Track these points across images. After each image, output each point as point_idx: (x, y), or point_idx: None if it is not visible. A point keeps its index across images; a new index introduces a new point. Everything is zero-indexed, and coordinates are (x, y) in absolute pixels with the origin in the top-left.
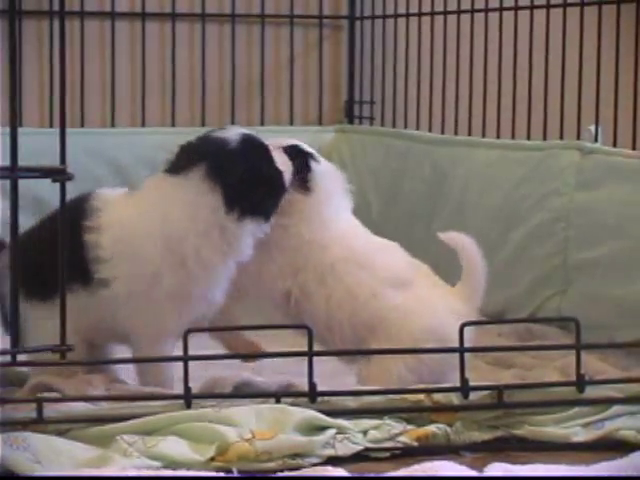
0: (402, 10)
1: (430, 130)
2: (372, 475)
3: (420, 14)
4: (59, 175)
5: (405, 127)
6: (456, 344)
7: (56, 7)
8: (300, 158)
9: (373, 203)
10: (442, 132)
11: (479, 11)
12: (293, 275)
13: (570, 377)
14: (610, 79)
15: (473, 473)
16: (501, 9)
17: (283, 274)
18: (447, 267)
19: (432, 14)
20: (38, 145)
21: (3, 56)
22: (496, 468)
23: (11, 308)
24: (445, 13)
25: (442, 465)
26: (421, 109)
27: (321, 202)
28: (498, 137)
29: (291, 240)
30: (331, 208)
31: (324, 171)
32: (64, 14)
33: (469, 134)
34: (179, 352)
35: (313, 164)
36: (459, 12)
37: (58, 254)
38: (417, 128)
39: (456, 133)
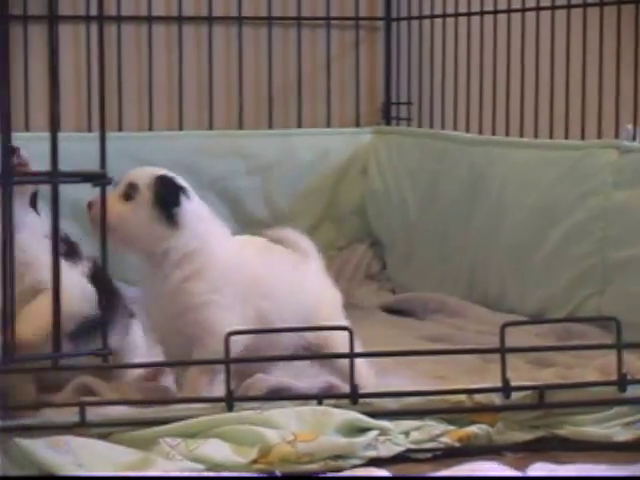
0: (438, 10)
1: (467, 130)
2: (414, 476)
3: (457, 14)
4: (100, 179)
5: (442, 128)
6: None
7: (93, 12)
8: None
9: (410, 204)
10: (479, 132)
11: (516, 11)
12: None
13: (610, 377)
14: None
15: (515, 473)
16: (538, 9)
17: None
18: (483, 268)
19: (469, 14)
20: (75, 150)
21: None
22: (539, 468)
23: (54, 315)
24: (482, 13)
25: (484, 466)
26: (458, 109)
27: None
28: (536, 137)
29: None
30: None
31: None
32: (103, 19)
33: (506, 134)
34: None
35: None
36: (495, 12)
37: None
38: (454, 129)
39: (494, 133)
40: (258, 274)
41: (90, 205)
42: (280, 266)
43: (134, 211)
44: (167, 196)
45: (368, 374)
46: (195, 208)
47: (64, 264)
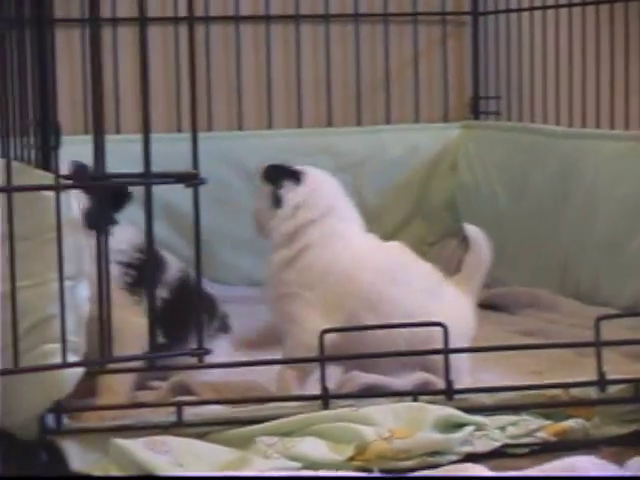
0: (526, 3)
1: (557, 123)
2: (513, 474)
3: (544, 7)
4: (192, 180)
5: (531, 121)
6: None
7: (182, 13)
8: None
9: (501, 199)
10: (569, 125)
11: (604, 2)
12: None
13: None
14: None
15: (614, 468)
16: (626, 0)
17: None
18: (575, 261)
19: (557, 7)
20: (165, 151)
21: (133, 63)
22: (637, 463)
23: (149, 315)
24: (570, 5)
25: (582, 460)
26: (547, 102)
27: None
28: (627, 128)
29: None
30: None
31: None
32: (193, 20)
33: (597, 126)
34: None
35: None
36: (584, 4)
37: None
38: (544, 122)
39: (584, 126)
40: (368, 283)
41: None
42: (405, 285)
43: (257, 195)
44: (271, 177)
45: (465, 370)
46: (304, 192)
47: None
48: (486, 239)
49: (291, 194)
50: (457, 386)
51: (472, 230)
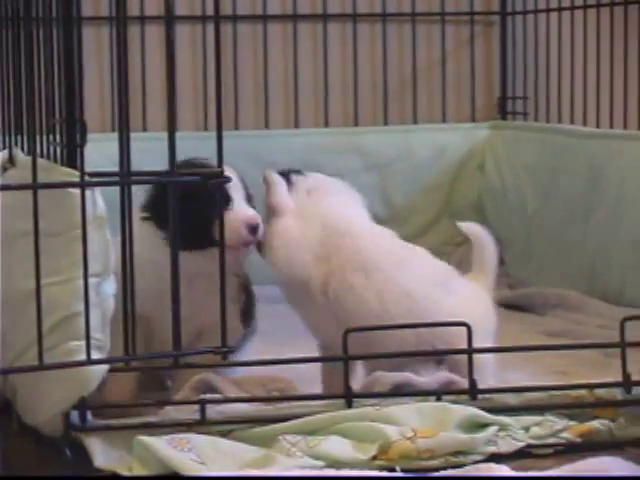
0: (554, 4)
1: (585, 124)
2: (535, 475)
3: (573, 7)
4: (218, 178)
5: (559, 122)
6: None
7: (209, 12)
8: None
9: (529, 200)
10: (597, 126)
11: (633, 3)
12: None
13: None
14: None
15: (639, 469)
16: None
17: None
18: (603, 263)
19: (585, 7)
20: (192, 149)
21: (160, 61)
22: None
23: (174, 313)
24: (598, 6)
25: (607, 461)
26: (575, 103)
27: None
28: None
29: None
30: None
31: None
32: (219, 18)
33: (625, 127)
34: None
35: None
36: (612, 5)
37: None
38: (571, 122)
39: (611, 127)
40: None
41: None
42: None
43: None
44: None
45: (490, 370)
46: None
47: None
48: (486, 232)
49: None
50: (481, 385)
51: (470, 227)
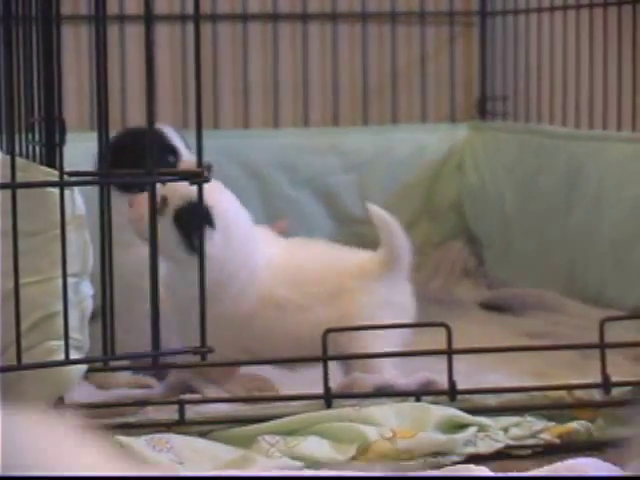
0: (534, 4)
1: (564, 125)
2: (515, 475)
3: (552, 8)
4: (197, 178)
5: (538, 122)
6: None
7: (189, 11)
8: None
9: (508, 200)
10: (576, 127)
11: (612, 4)
12: None
13: None
14: None
15: (617, 470)
16: (634, 1)
17: None
18: (582, 264)
19: (565, 8)
20: None
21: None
22: None
23: (153, 313)
24: (578, 7)
25: (586, 462)
26: (554, 104)
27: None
28: (633, 130)
29: None
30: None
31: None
32: (199, 18)
33: (604, 128)
34: None
35: None
36: (591, 5)
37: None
38: (551, 123)
39: (591, 127)
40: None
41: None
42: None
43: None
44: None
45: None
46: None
47: None
48: (392, 218)
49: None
50: (380, 378)
51: (375, 211)
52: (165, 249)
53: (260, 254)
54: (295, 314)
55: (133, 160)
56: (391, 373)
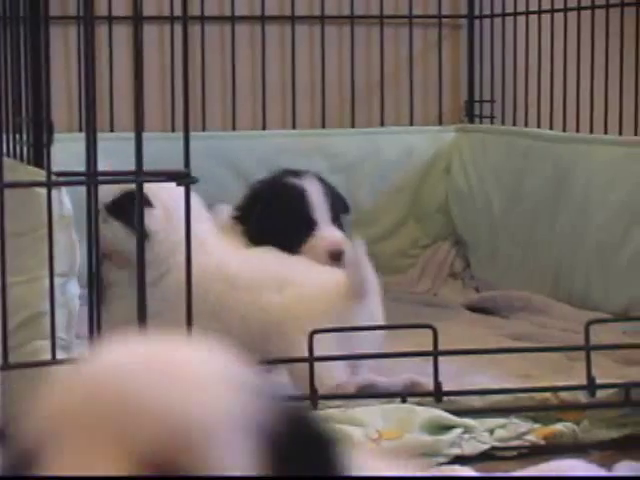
0: (521, 8)
1: (551, 128)
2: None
3: (540, 12)
4: (184, 179)
5: (525, 125)
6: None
7: (177, 12)
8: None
9: (495, 203)
10: (563, 130)
11: (599, 7)
12: None
13: None
14: None
15: (602, 472)
16: (622, 5)
17: None
18: (568, 266)
19: (552, 11)
20: (159, 150)
21: (128, 62)
22: (626, 467)
23: (139, 302)
24: (565, 10)
25: (571, 464)
26: (542, 107)
27: None
28: (620, 134)
29: None
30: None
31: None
32: (187, 19)
33: (591, 131)
34: None
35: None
36: (579, 9)
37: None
38: (538, 126)
39: (577, 130)
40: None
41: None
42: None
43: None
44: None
45: (331, 377)
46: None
47: None
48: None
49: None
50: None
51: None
52: (124, 249)
53: (209, 230)
54: (245, 293)
55: (278, 210)
56: (342, 378)
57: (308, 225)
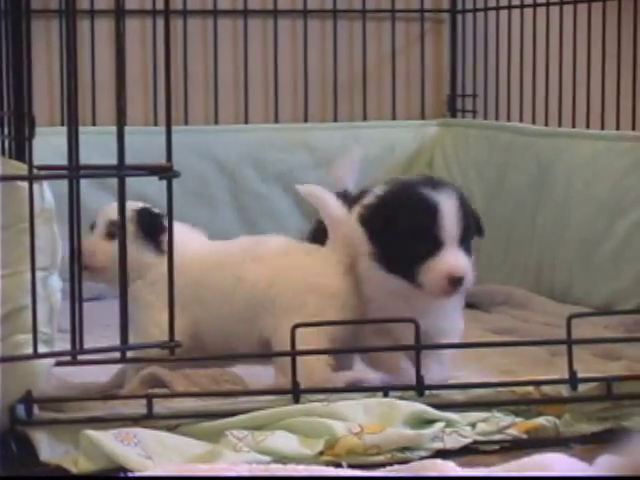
0: (504, 2)
1: (533, 122)
2: (483, 471)
3: (522, 6)
4: (166, 173)
5: (508, 120)
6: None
7: (159, 6)
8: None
9: (477, 197)
10: (546, 124)
11: (582, 2)
12: None
13: None
14: None
15: (584, 465)
16: (604, 0)
17: None
18: (550, 261)
19: (534, 6)
20: (141, 144)
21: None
22: (607, 460)
23: (121, 307)
24: (548, 5)
25: (552, 458)
26: (524, 101)
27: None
28: (602, 128)
29: None
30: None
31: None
32: (169, 13)
33: (573, 126)
34: None
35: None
36: (562, 3)
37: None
38: (520, 120)
39: (560, 125)
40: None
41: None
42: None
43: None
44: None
45: (320, 370)
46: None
47: None
48: (326, 191)
49: None
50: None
51: (307, 188)
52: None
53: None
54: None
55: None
56: (327, 373)
57: (433, 245)
